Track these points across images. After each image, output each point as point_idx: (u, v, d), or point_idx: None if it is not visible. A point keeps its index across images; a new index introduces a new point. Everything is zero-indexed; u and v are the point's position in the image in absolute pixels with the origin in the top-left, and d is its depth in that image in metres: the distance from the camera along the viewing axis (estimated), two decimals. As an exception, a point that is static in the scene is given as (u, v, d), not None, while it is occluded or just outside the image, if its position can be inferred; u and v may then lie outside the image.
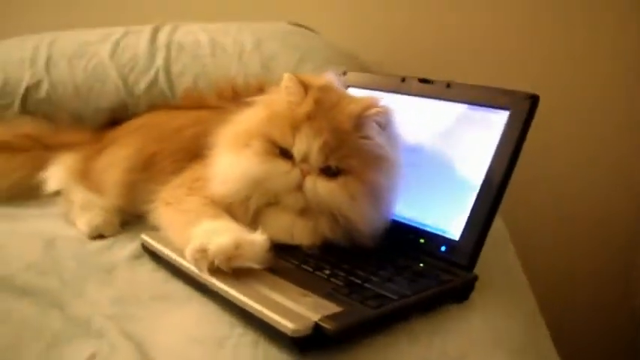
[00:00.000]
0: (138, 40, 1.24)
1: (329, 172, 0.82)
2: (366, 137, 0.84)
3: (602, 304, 1.69)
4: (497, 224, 1.10)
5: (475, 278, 0.81)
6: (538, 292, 0.95)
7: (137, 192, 0.96)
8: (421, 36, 1.58)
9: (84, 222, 0.96)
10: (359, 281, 0.75)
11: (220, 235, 0.74)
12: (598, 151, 1.60)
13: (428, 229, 0.87)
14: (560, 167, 1.60)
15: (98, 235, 0.95)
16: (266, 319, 0.66)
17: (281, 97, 0.86)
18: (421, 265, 0.83)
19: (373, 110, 0.84)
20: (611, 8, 1.51)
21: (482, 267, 0.83)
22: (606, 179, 1.63)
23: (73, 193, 1.03)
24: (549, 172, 1.61)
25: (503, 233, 1.11)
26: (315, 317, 0.64)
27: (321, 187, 0.81)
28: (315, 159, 0.81)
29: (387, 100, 0.89)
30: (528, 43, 1.57)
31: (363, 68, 1.25)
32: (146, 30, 1.26)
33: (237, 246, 0.72)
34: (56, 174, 1.06)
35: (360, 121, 0.83)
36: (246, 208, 0.84)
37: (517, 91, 0.86)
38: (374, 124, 0.84)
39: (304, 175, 0.82)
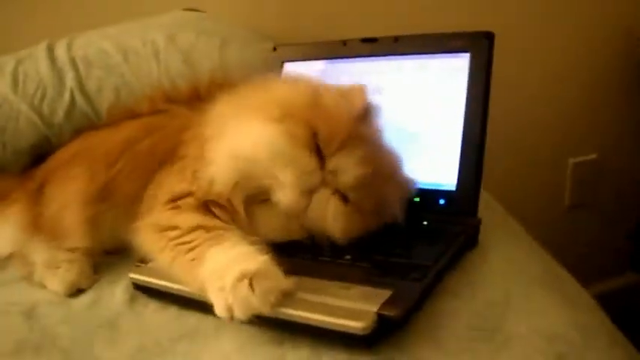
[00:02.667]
0: (36, 65, 1.08)
1: (342, 197, 0.75)
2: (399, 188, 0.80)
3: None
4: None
5: (480, 222, 0.82)
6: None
7: (103, 226, 0.86)
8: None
9: (56, 281, 0.84)
10: (383, 258, 0.73)
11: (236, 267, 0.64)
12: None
13: (420, 187, 0.86)
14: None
15: (76, 291, 0.83)
16: (326, 326, 0.61)
17: (334, 95, 0.79)
18: (425, 223, 0.82)
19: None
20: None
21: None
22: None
23: (31, 253, 0.88)
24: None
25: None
26: (373, 308, 0.61)
27: (331, 206, 0.74)
28: (344, 182, 0.74)
29: (331, 69, 0.86)
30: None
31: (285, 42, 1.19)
32: (40, 52, 1.10)
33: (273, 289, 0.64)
34: (3, 235, 0.90)
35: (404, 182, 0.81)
36: (237, 205, 0.77)
37: (470, 32, 0.86)
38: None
39: (324, 184, 0.74)
